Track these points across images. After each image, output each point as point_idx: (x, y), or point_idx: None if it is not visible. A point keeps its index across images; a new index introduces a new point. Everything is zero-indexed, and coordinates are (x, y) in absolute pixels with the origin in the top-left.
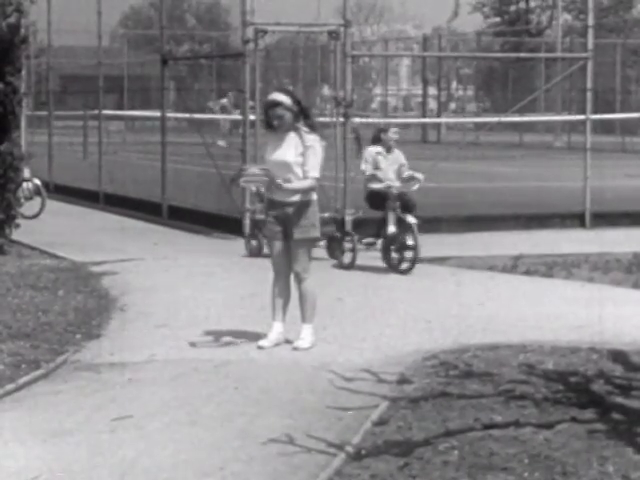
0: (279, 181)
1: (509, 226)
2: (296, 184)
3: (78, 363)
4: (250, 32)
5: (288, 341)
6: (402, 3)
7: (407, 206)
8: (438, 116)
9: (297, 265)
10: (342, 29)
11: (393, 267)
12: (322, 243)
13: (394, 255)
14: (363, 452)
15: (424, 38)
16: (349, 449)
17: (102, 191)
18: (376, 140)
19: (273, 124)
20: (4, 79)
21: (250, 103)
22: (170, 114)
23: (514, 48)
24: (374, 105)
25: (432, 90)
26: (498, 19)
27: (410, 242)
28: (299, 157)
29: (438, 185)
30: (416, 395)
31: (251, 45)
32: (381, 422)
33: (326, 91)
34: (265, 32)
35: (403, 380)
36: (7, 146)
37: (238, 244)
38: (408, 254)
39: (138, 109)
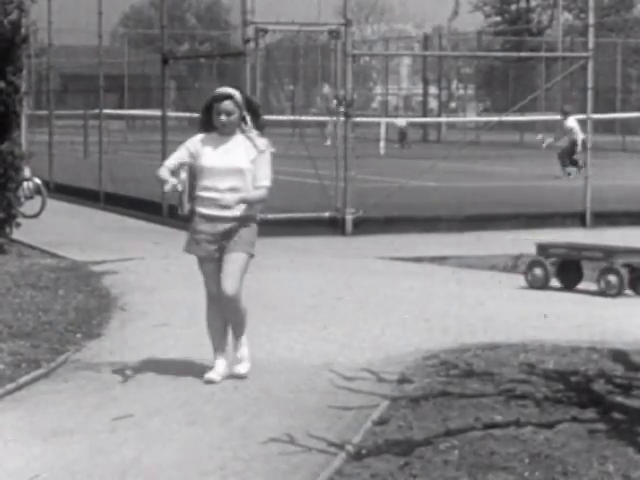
0: (228, 197)
1: (510, 225)
2: (251, 195)
3: (78, 362)
4: (251, 31)
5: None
6: (402, 2)
7: None
8: (438, 115)
9: (233, 285)
10: (343, 28)
11: None
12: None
13: None
14: (363, 451)
15: (425, 37)
16: (349, 448)
17: (103, 190)
18: None
19: (217, 122)
20: (5, 78)
21: None
22: (171, 113)
23: (515, 47)
24: (375, 104)
25: (433, 89)
26: (499, 18)
27: None
28: (251, 164)
29: (438, 184)
30: (416, 394)
31: (252, 44)
32: (381, 421)
33: (326, 90)
34: (266, 31)
35: (403, 379)
36: (8, 145)
37: None
38: None
39: (139, 108)
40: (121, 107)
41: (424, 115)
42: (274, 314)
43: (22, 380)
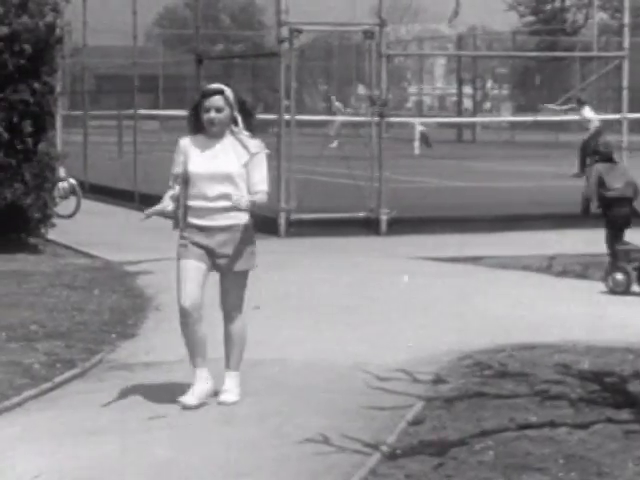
0: (235, 198)
1: (544, 225)
2: (253, 198)
3: (113, 362)
4: (285, 31)
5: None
6: (436, 2)
7: None
8: (473, 115)
9: (231, 302)
10: (377, 28)
11: None
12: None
13: None
14: (398, 452)
15: (459, 37)
16: (384, 449)
17: (137, 190)
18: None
19: (205, 120)
20: (40, 79)
21: (285, 102)
22: None
23: (549, 47)
24: (409, 104)
25: (467, 89)
26: (533, 18)
27: None
28: (243, 168)
29: (473, 185)
30: (451, 395)
31: (286, 45)
32: (416, 422)
33: (361, 90)
34: (300, 32)
35: (438, 380)
36: (43, 146)
37: (273, 243)
38: None
39: (173, 109)
40: (155, 107)
41: (459, 115)
42: (309, 314)
43: (57, 380)
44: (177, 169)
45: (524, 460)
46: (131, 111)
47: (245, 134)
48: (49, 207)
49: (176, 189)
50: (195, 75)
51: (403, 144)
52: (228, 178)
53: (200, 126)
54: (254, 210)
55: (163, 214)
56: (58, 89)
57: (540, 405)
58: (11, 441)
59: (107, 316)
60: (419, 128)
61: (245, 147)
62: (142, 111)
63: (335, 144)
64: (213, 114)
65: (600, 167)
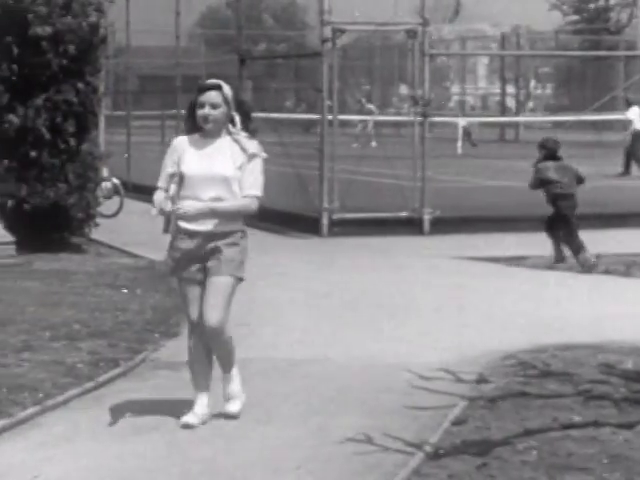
0: (186, 205)
1: (588, 225)
2: (224, 205)
3: (157, 361)
4: (328, 31)
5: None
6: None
7: None
8: (516, 115)
9: (215, 316)
10: (420, 28)
11: None
12: None
13: None
14: (441, 451)
15: (502, 36)
16: (427, 448)
17: None
18: None
19: (199, 117)
20: (84, 79)
21: (328, 102)
22: None
23: (593, 46)
24: (451, 104)
25: (510, 89)
26: (577, 17)
27: None
28: (238, 170)
29: (516, 184)
30: (494, 395)
31: (328, 44)
32: (459, 422)
33: (403, 90)
34: (343, 31)
35: (481, 380)
36: (87, 146)
37: (315, 243)
38: None
39: None
40: None
41: (502, 114)
42: (351, 313)
43: (101, 379)
44: (170, 169)
45: (567, 460)
46: (174, 111)
47: (243, 135)
48: (92, 207)
49: (172, 189)
50: (237, 75)
51: (446, 144)
52: (222, 180)
53: (196, 125)
54: (238, 215)
55: (162, 212)
56: (101, 89)
57: (584, 405)
58: (55, 440)
59: (150, 315)
60: (462, 123)
61: (243, 148)
62: (185, 111)
63: (374, 144)
64: (208, 110)
65: (549, 164)
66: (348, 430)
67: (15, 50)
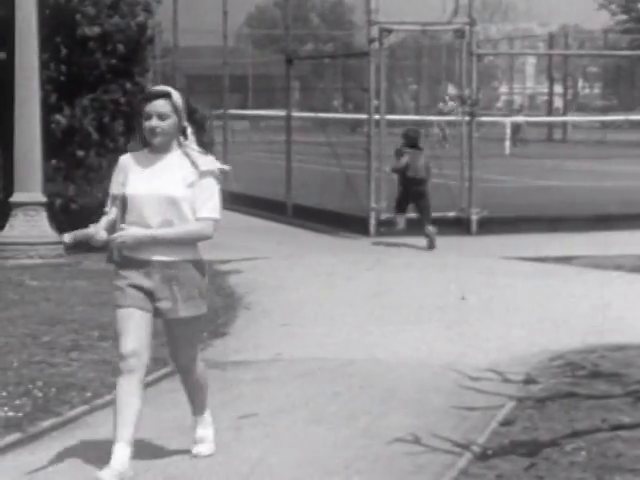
0: (124, 232)
1: (636, 225)
2: (179, 229)
3: (204, 361)
4: (375, 31)
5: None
6: (527, 0)
7: None
8: (564, 114)
9: (184, 355)
10: (467, 27)
11: None
12: None
13: None
14: (489, 452)
15: (550, 36)
16: (475, 449)
17: (227, 190)
18: None
19: (145, 129)
20: (132, 79)
21: (375, 102)
22: (295, 113)
23: None
24: (499, 104)
25: (558, 88)
26: (625, 16)
27: None
28: (189, 189)
29: (564, 184)
30: (542, 395)
31: (376, 44)
32: (507, 422)
33: (451, 90)
34: (390, 31)
35: (529, 380)
36: (133, 145)
37: (363, 243)
38: None
39: (262, 108)
40: (245, 107)
41: (549, 114)
42: (399, 313)
43: (149, 378)
44: (114, 190)
45: (616, 461)
46: (221, 111)
47: (195, 149)
48: None
49: (113, 213)
50: (285, 75)
51: (494, 143)
52: (171, 202)
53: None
54: (191, 242)
55: (92, 241)
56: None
57: (633, 406)
58: (105, 439)
59: None
60: (510, 120)
61: (194, 164)
62: (232, 111)
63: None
64: (155, 122)
65: (410, 152)
66: (396, 430)
67: (63, 50)
